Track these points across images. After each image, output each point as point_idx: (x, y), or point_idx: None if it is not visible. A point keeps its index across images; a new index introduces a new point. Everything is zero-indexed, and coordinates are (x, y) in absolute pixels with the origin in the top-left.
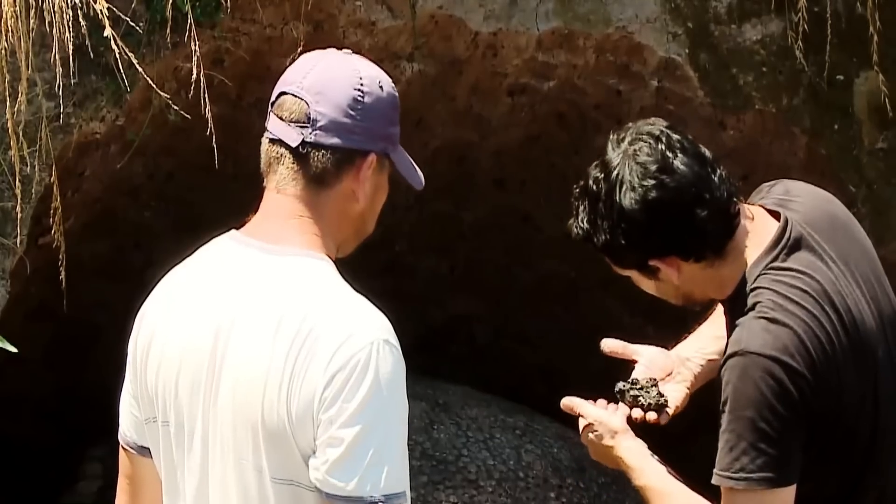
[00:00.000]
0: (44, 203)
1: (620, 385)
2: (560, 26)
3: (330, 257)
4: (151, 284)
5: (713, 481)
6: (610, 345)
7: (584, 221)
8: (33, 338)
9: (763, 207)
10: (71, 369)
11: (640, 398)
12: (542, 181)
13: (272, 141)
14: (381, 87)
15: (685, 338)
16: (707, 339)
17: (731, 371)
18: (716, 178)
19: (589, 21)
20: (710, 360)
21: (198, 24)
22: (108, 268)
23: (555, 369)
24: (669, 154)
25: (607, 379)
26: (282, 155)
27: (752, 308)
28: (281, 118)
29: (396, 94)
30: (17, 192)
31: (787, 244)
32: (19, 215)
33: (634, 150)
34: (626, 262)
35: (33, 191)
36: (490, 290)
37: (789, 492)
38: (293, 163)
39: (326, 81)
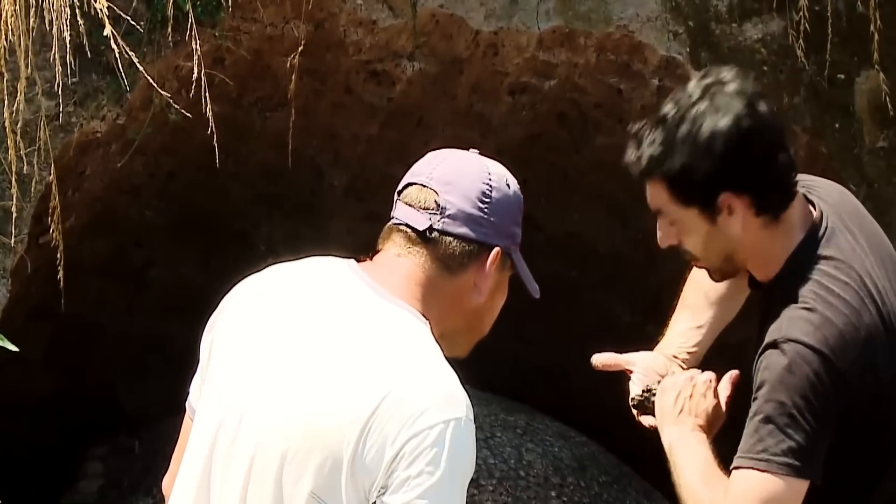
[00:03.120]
0: (44, 202)
1: (637, 396)
2: (561, 25)
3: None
4: (153, 283)
5: (734, 465)
6: (602, 360)
7: (658, 144)
8: (34, 337)
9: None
10: (71, 369)
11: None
12: (542, 180)
13: (397, 225)
14: (507, 184)
15: (662, 336)
16: (686, 334)
17: (768, 358)
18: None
19: (590, 20)
20: (690, 353)
21: (198, 22)
22: (108, 267)
23: (555, 369)
24: (756, 96)
25: (608, 378)
26: (407, 234)
27: (794, 299)
28: (409, 205)
29: (521, 196)
30: (14, 190)
31: (826, 233)
32: (16, 214)
33: (723, 83)
34: (695, 193)
35: (34, 190)
36: None
37: (803, 486)
38: (420, 244)
39: (455, 173)
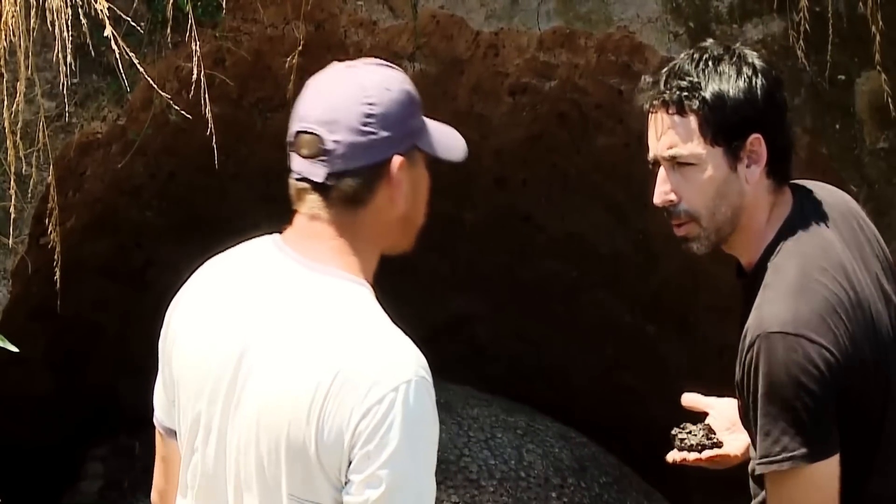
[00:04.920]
0: (45, 203)
1: (673, 431)
2: (561, 26)
3: (370, 276)
4: (153, 284)
5: (756, 472)
6: (688, 399)
7: (696, 74)
8: (34, 337)
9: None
10: (72, 369)
11: (686, 440)
12: (543, 181)
13: (297, 180)
14: (388, 90)
15: None
16: None
17: (756, 356)
18: None
19: (590, 20)
20: None
21: (199, 23)
22: (109, 267)
23: (555, 369)
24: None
25: (608, 379)
26: (309, 189)
27: (772, 284)
28: (302, 156)
29: (407, 86)
30: (15, 191)
31: (804, 221)
32: (16, 215)
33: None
34: (728, 126)
35: (35, 191)
36: (491, 289)
37: (834, 463)
38: (323, 194)
39: (334, 107)
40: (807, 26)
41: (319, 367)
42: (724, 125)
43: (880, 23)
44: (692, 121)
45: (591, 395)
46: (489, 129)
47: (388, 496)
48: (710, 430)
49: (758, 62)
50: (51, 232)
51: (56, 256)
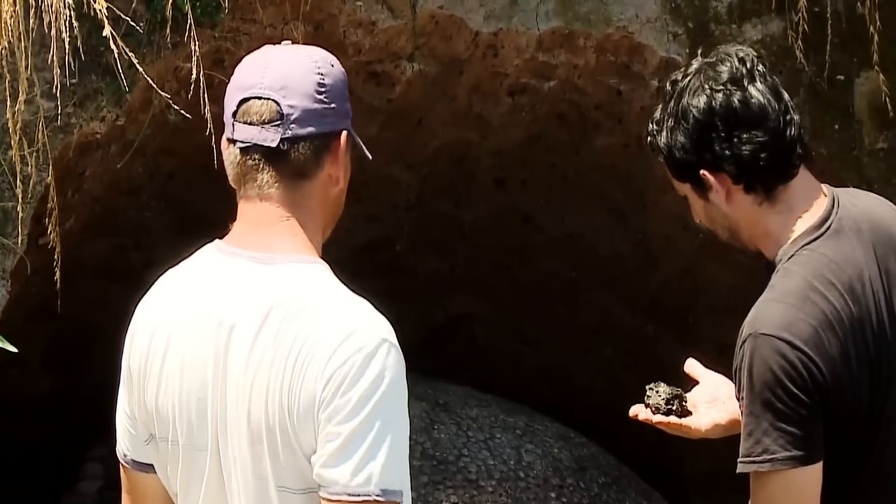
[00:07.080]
0: (44, 203)
1: (648, 385)
2: (560, 26)
3: (319, 252)
4: (149, 287)
5: (738, 470)
6: (688, 366)
7: (655, 122)
8: (34, 338)
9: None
10: (71, 369)
11: (650, 397)
12: (542, 181)
13: (244, 150)
14: (332, 65)
15: None
16: None
17: (745, 354)
18: (785, 118)
19: (589, 21)
20: None
21: (198, 24)
22: (108, 268)
23: (555, 369)
24: (747, 77)
25: (608, 379)
26: (259, 160)
27: (776, 286)
28: (251, 123)
29: (343, 68)
30: (15, 192)
31: (829, 231)
32: (16, 216)
33: (716, 62)
34: (681, 170)
35: (34, 191)
36: (490, 290)
37: (816, 469)
38: (273, 164)
39: (286, 74)
40: (805, 26)
41: (281, 349)
42: (677, 170)
43: (878, 23)
44: (663, 162)
45: (590, 395)
46: (489, 130)
47: (342, 447)
48: (679, 398)
49: (713, 84)
50: (50, 232)
51: (55, 257)
